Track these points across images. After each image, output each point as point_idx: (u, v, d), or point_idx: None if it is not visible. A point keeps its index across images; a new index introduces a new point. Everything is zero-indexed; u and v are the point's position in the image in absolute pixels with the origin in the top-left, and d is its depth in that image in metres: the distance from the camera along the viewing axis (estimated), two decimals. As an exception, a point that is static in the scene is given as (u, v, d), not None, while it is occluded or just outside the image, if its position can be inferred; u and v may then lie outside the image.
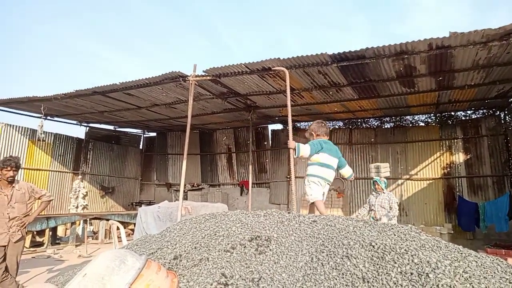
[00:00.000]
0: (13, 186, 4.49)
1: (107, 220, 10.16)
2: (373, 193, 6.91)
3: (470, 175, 10.76)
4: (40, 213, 5.32)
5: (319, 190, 4.31)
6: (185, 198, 12.87)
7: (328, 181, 4.40)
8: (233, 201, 13.69)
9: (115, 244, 5.32)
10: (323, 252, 2.58)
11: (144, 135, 16.06)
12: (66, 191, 12.25)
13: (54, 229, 9.78)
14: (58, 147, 12.02)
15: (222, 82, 7.77)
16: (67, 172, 12.30)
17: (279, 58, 6.34)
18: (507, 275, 2.13)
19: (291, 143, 4.40)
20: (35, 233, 9.22)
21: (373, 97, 8.99)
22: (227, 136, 14.40)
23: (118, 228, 5.23)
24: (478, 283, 2.00)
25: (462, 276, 2.06)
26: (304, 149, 4.26)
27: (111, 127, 14.19)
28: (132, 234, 9.32)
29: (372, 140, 12.17)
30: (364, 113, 11.17)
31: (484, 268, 2.21)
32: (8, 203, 4.40)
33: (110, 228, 9.53)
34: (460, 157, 11.02)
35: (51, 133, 11.83)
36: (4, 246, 4.31)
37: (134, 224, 9.03)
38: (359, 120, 12.71)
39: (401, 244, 2.43)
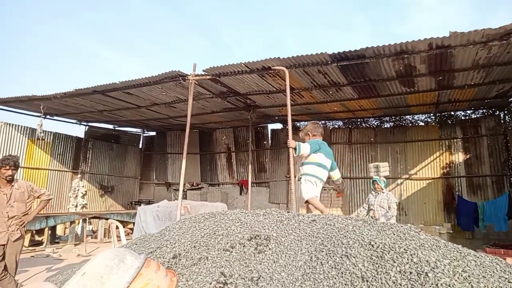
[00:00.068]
0: (12, 185, 4.48)
1: (106, 219, 10.16)
2: (372, 192, 6.91)
3: (470, 175, 10.76)
4: (39, 212, 5.32)
5: (316, 189, 4.36)
6: (185, 197, 12.86)
7: (323, 181, 4.47)
8: (232, 200, 13.69)
9: (114, 243, 5.32)
10: (322, 251, 2.58)
11: (144, 134, 16.04)
12: (66, 190, 12.24)
13: (53, 228, 9.77)
14: (57, 146, 12.01)
15: (222, 82, 7.76)
16: (66, 171, 12.29)
17: (279, 57, 6.33)
18: (506, 275, 2.13)
19: (291, 142, 4.41)
20: (34, 232, 9.22)
21: (373, 96, 8.98)
22: (226, 135, 14.39)
23: (117, 227, 5.23)
24: (477, 282, 2.00)
25: (461, 275, 2.06)
26: (305, 148, 4.31)
27: (110, 126, 14.18)
28: (132, 233, 9.32)
29: (372, 139, 12.17)
30: (363, 112, 11.16)
31: (483, 267, 2.21)
32: (7, 202, 4.40)
33: (109, 227, 9.52)
34: (459, 157, 11.03)
35: (51, 132, 11.82)
36: (3, 245, 4.30)
37: (133, 223, 9.02)
38: (359, 120, 12.71)
39: (400, 244, 2.43)
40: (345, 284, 2.18)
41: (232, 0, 71.89)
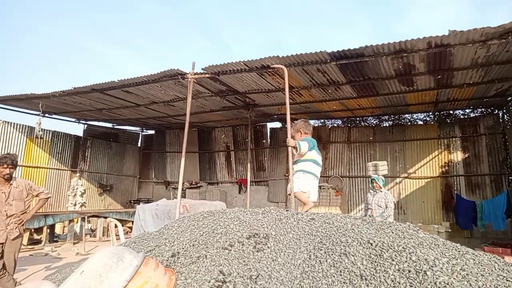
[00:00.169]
0: (11, 184, 4.48)
1: (105, 217, 10.13)
2: (371, 191, 6.92)
3: (468, 174, 10.79)
4: (38, 211, 5.31)
5: (313, 187, 4.44)
6: (184, 196, 12.86)
7: (318, 178, 4.59)
8: (231, 199, 13.69)
9: (113, 242, 5.31)
10: (321, 249, 2.58)
11: (143, 133, 16.02)
12: (64, 188, 12.22)
13: (52, 227, 9.75)
14: (56, 145, 11.99)
15: (220, 80, 7.75)
16: (65, 170, 12.27)
17: (278, 56, 6.33)
18: (504, 273, 2.13)
19: (291, 141, 4.42)
20: (33, 230, 9.20)
21: (372, 95, 8.98)
22: (225, 134, 14.38)
23: (116, 226, 5.22)
24: (476, 280, 2.01)
25: (460, 273, 2.06)
26: (304, 146, 4.34)
27: (109, 125, 14.16)
28: (130, 232, 9.31)
29: (371, 138, 12.17)
30: (362, 111, 11.17)
31: (481, 265, 2.21)
32: (6, 201, 4.39)
33: (108, 226, 9.51)
34: (458, 156, 11.04)
35: (49, 130, 11.79)
36: (2, 243, 4.30)
37: (132, 222, 9.01)
38: (358, 119, 12.72)
39: (399, 242, 2.43)
40: (343, 283, 2.18)
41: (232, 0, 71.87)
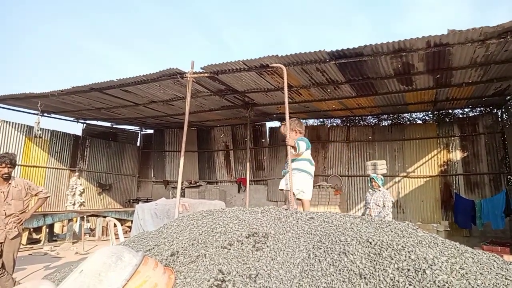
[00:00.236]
0: (10, 183, 4.47)
1: (104, 217, 10.13)
2: (370, 190, 6.92)
3: (467, 173, 10.80)
4: (37, 210, 5.30)
5: (309, 185, 4.47)
6: (183, 195, 12.86)
7: (313, 177, 4.64)
8: (230, 198, 13.69)
9: (112, 241, 5.31)
10: (320, 248, 2.58)
11: (142, 132, 16.00)
12: (63, 188, 12.21)
13: (51, 226, 9.75)
14: (55, 144, 11.97)
15: (220, 79, 7.74)
16: (64, 169, 12.25)
17: (277, 55, 6.32)
18: (503, 272, 2.13)
19: (290, 140, 4.41)
20: (31, 230, 9.20)
21: (371, 94, 8.99)
22: (224, 133, 14.38)
23: (115, 225, 5.21)
24: (475, 279, 2.01)
25: (459, 272, 2.06)
26: (302, 146, 4.35)
27: (108, 124, 14.14)
28: (129, 231, 9.30)
29: (370, 137, 12.18)
30: (361, 110, 11.17)
31: (480, 264, 2.22)
32: (5, 200, 4.38)
33: (107, 225, 9.49)
34: (457, 155, 11.06)
35: (48, 129, 11.77)
36: (1, 243, 4.30)
37: (131, 221, 9.01)
38: (357, 118, 12.73)
39: (398, 241, 2.44)
40: (343, 281, 2.18)
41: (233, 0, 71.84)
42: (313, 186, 11.22)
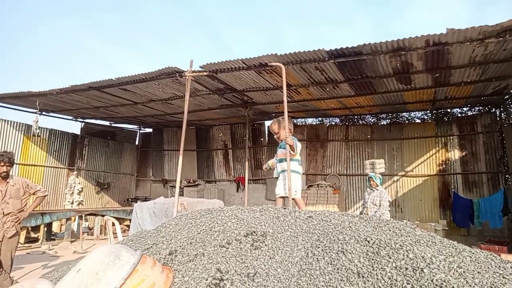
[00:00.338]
0: (7, 182, 4.46)
1: (103, 216, 10.13)
2: (368, 189, 6.93)
3: (465, 172, 10.82)
4: (35, 209, 5.29)
5: (300, 185, 4.50)
6: (181, 194, 12.85)
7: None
8: (229, 197, 13.69)
9: (111, 240, 5.30)
10: (318, 247, 2.58)
11: (140, 131, 15.98)
12: (61, 186, 12.19)
13: (49, 225, 9.73)
14: (53, 143, 11.94)
15: (218, 78, 7.73)
16: (62, 168, 12.23)
17: (276, 54, 6.32)
18: (500, 270, 2.14)
19: (289, 139, 4.40)
20: (30, 229, 9.17)
21: (369, 93, 8.99)
22: (223, 132, 14.37)
23: (113, 224, 5.21)
24: (472, 278, 2.01)
25: (456, 271, 2.07)
26: (299, 146, 4.35)
27: (106, 123, 14.12)
28: (128, 230, 9.30)
29: (369, 136, 12.19)
30: (360, 109, 11.18)
31: (478, 263, 2.22)
32: (3, 199, 4.37)
33: (105, 224, 9.48)
34: (455, 154, 11.08)
35: (46, 128, 11.74)
36: (-1, 241, 4.28)
37: (130, 220, 9.00)
38: (356, 117, 12.74)
39: (396, 240, 2.44)
40: (341, 280, 2.18)
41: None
42: (312, 185, 11.22)
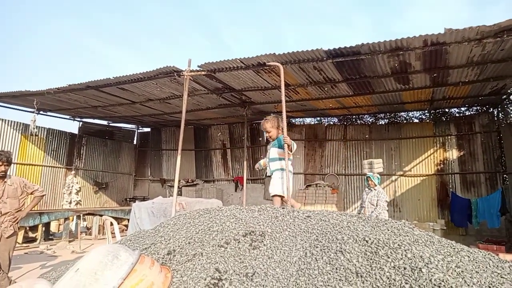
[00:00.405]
0: (5, 181, 4.44)
1: (101, 215, 10.11)
2: (366, 189, 6.94)
3: (463, 172, 10.85)
4: (33, 209, 5.28)
5: (292, 186, 4.41)
6: (180, 194, 12.84)
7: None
8: (227, 197, 13.68)
9: (109, 240, 5.29)
10: (317, 247, 2.58)
11: (138, 131, 15.96)
12: (59, 186, 12.15)
13: (47, 225, 9.71)
14: (51, 142, 11.91)
15: (217, 78, 7.73)
16: (60, 167, 12.20)
17: (274, 53, 6.31)
18: (498, 270, 2.14)
19: (288, 139, 4.39)
20: (27, 228, 9.15)
21: (368, 93, 9.00)
22: (222, 131, 14.36)
23: (111, 224, 5.20)
24: (470, 277, 2.02)
25: (455, 270, 2.07)
26: (294, 145, 4.34)
27: (104, 122, 14.09)
28: (126, 230, 9.28)
29: (367, 136, 12.21)
30: (359, 109, 11.19)
31: (476, 262, 2.23)
32: (0, 199, 4.36)
33: (103, 223, 9.47)
34: (453, 154, 11.11)
35: (44, 128, 11.71)
36: (-4, 241, 4.27)
37: (128, 219, 8.99)
38: (354, 117, 12.76)
39: (395, 239, 2.44)
40: (339, 280, 2.18)
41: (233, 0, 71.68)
42: (310, 185, 11.22)
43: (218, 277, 2.37)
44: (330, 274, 2.26)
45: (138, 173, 15.60)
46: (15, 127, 10.65)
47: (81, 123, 13.24)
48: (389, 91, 8.82)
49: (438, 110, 11.64)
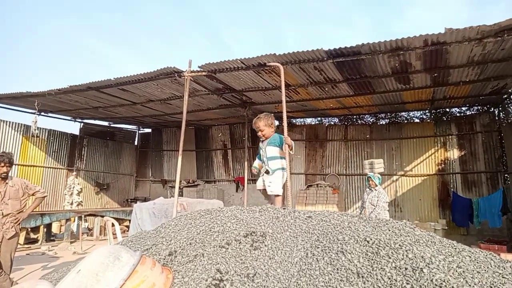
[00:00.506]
0: (7, 183, 4.45)
1: (102, 216, 10.12)
2: (367, 189, 6.93)
3: (464, 171, 10.84)
4: (34, 210, 5.28)
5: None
6: (181, 194, 12.84)
7: None
8: (228, 197, 13.68)
9: (110, 241, 5.30)
10: (318, 247, 2.58)
11: (139, 131, 15.98)
12: (61, 187, 12.17)
13: (48, 226, 9.73)
14: (52, 143, 11.92)
15: (217, 78, 7.73)
16: (61, 169, 12.21)
17: (274, 53, 6.32)
18: (500, 270, 2.14)
19: (288, 139, 4.39)
20: (29, 229, 9.17)
21: (368, 93, 9.00)
22: (222, 132, 14.36)
23: (113, 225, 5.20)
24: (472, 277, 2.01)
25: (456, 270, 2.07)
26: (293, 146, 4.35)
27: (105, 123, 14.11)
28: (127, 231, 9.29)
29: (368, 136, 12.20)
30: (359, 109, 11.19)
31: (477, 263, 2.22)
32: (2, 200, 4.37)
33: (105, 224, 9.49)
34: (454, 154, 11.09)
35: (45, 129, 11.73)
36: (-2, 242, 4.28)
37: (129, 220, 8.99)
38: (355, 117, 12.75)
39: (396, 240, 2.44)
40: (340, 280, 2.18)
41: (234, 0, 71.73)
42: (311, 185, 11.22)
43: (220, 278, 2.38)
44: (331, 274, 2.26)
45: (139, 173, 15.61)
46: (16, 129, 10.67)
47: (82, 124, 13.26)
48: (390, 91, 8.81)
49: (438, 110, 11.63)
